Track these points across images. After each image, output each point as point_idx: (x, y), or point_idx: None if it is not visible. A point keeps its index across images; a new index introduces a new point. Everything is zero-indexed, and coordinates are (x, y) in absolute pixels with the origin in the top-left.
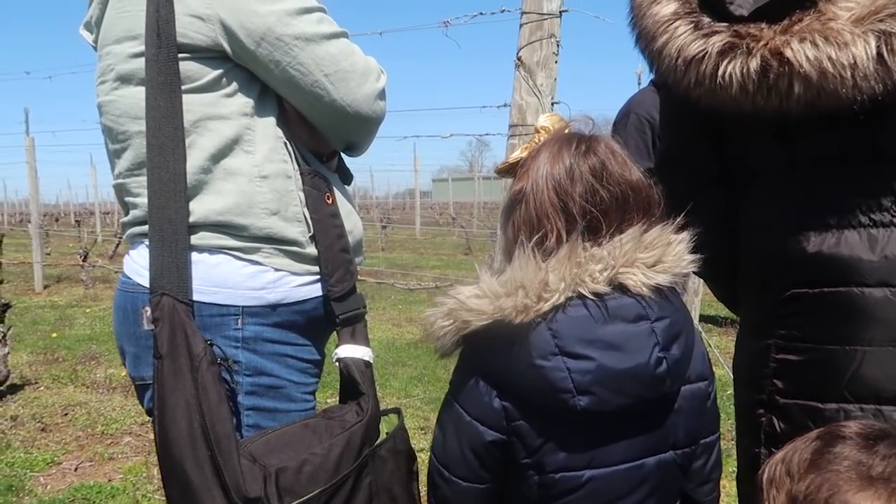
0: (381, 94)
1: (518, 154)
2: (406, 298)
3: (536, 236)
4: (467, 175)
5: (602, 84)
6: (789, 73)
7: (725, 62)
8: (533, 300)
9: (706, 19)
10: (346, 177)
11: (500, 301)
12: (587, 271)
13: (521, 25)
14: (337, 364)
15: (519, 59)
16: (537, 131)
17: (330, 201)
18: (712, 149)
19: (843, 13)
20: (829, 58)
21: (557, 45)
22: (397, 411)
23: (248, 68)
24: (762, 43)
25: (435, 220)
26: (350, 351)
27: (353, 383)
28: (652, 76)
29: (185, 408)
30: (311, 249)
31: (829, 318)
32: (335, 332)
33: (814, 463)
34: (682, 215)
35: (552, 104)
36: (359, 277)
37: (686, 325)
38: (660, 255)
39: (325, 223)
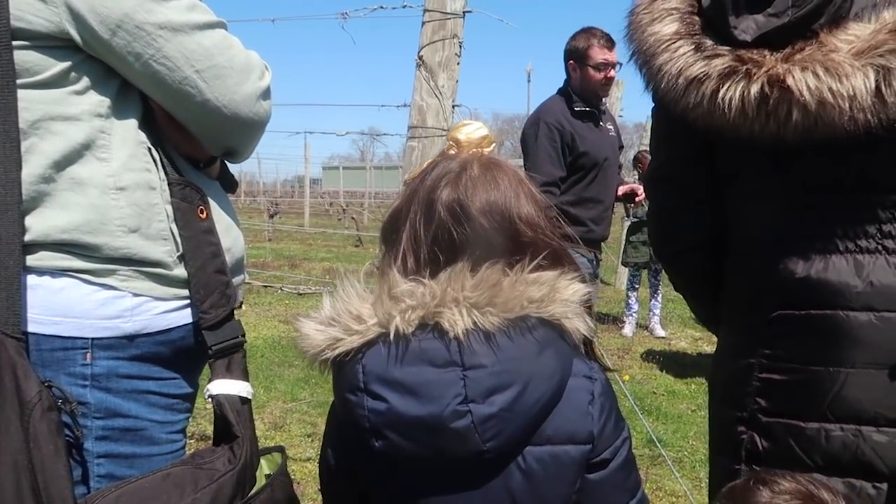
0: (265, 94)
1: (425, 165)
2: (294, 293)
3: (369, 266)
4: (359, 164)
5: (497, 83)
6: (789, 100)
7: (727, 85)
8: (345, 333)
9: (709, 42)
10: (228, 184)
11: (326, 331)
12: (399, 308)
13: (423, 23)
14: (209, 401)
15: (420, 58)
16: (450, 141)
17: (204, 215)
18: (704, 168)
19: (844, 45)
20: (830, 89)
21: (460, 46)
22: (280, 450)
23: (104, 61)
24: (764, 69)
25: (325, 210)
26: (224, 387)
27: (227, 424)
28: (648, 92)
29: (12, 466)
30: (180, 271)
31: (814, 340)
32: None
33: None
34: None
35: (453, 107)
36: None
37: (526, 378)
38: (491, 296)
39: (197, 240)
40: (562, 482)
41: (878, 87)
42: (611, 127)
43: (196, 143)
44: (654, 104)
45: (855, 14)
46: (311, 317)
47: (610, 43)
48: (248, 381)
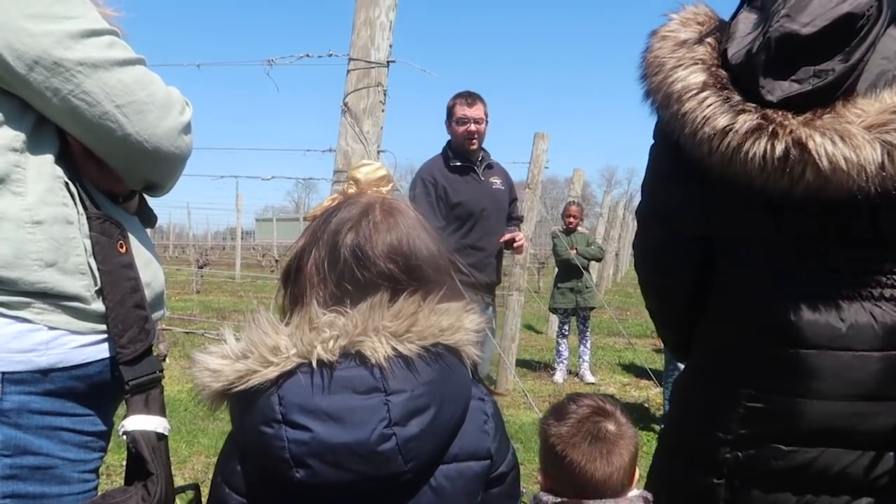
0: (186, 129)
1: (326, 204)
2: (220, 340)
3: (293, 285)
4: (293, 216)
5: (426, 135)
6: (806, 161)
7: (751, 140)
8: (260, 365)
9: (736, 97)
10: (148, 219)
11: (236, 364)
12: (321, 338)
13: (348, 71)
14: (123, 438)
15: (345, 104)
16: (350, 180)
17: (123, 250)
18: (702, 210)
19: (855, 118)
20: (844, 156)
21: (384, 94)
22: (194, 487)
23: (20, 96)
24: (787, 130)
25: (257, 262)
26: (141, 423)
27: (142, 461)
28: (657, 131)
29: None
30: (97, 305)
31: (800, 375)
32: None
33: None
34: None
35: (378, 152)
36: (165, 326)
37: (440, 401)
38: (410, 324)
39: (115, 275)
40: (466, 496)
41: (882, 161)
42: (496, 180)
43: (114, 178)
44: (657, 143)
45: (861, 91)
46: (213, 351)
47: (471, 100)
48: (165, 416)
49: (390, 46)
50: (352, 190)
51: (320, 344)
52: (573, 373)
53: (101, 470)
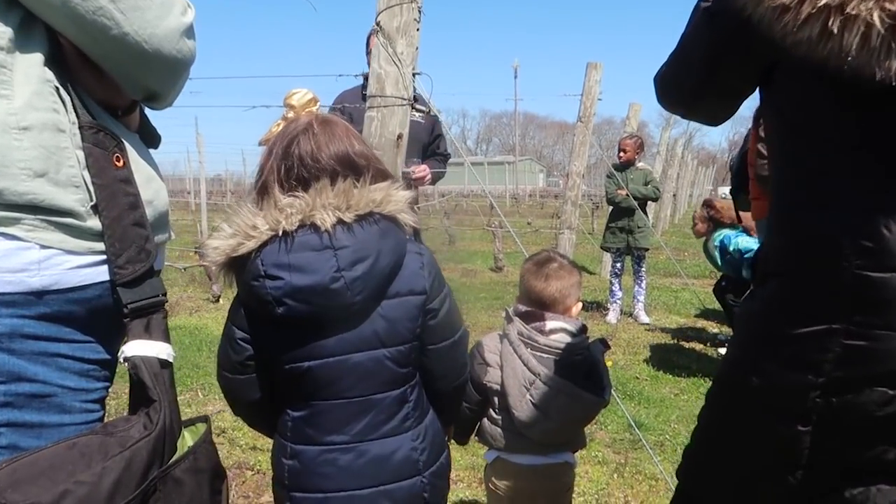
0: (188, 32)
1: (273, 130)
2: None
3: (259, 190)
4: None
5: (485, 79)
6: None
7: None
8: (245, 239)
9: None
10: (151, 139)
11: (229, 241)
12: (284, 215)
13: None
14: (124, 364)
15: (378, 24)
16: (288, 107)
17: (120, 163)
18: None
19: None
20: None
21: (419, 12)
22: (205, 419)
23: None
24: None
25: None
26: (141, 348)
27: (143, 388)
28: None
29: None
30: (94, 222)
31: None
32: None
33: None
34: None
35: (413, 74)
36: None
37: (377, 252)
38: (346, 200)
39: (112, 189)
40: (408, 321)
41: None
42: (415, 114)
43: (113, 89)
44: (731, 19)
45: None
46: (215, 235)
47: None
48: (168, 342)
49: None
50: (290, 115)
51: (284, 219)
52: (627, 313)
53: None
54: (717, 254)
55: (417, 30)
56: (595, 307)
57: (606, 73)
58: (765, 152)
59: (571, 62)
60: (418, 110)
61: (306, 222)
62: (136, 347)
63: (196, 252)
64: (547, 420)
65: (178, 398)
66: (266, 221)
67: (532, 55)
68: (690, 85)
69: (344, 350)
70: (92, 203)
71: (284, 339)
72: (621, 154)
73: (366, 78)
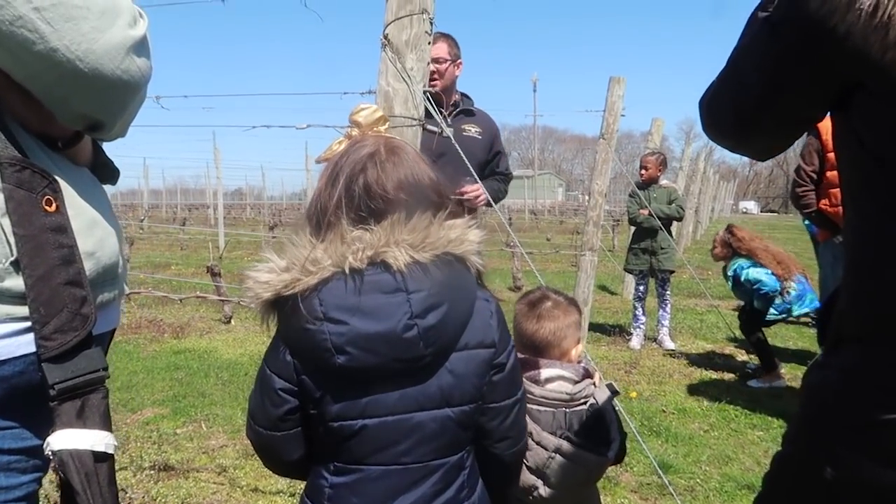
0: (138, 47)
1: (334, 148)
2: None
3: (318, 222)
4: None
5: (504, 93)
6: None
7: None
8: (302, 274)
9: None
10: (108, 174)
11: (282, 275)
12: (351, 250)
13: None
14: (50, 457)
15: (385, 37)
16: (353, 124)
17: (52, 207)
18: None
19: None
20: None
21: (431, 23)
22: None
23: None
24: None
25: None
26: (71, 439)
27: (71, 492)
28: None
29: None
30: (14, 282)
31: None
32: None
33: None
34: None
35: (424, 92)
36: (231, 285)
37: (451, 299)
38: (423, 237)
39: (38, 241)
40: (476, 377)
41: None
42: (470, 128)
43: (50, 116)
44: (801, 29)
45: None
46: (261, 267)
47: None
48: (109, 429)
49: None
50: (355, 132)
51: (351, 255)
52: (651, 338)
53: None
54: (730, 283)
55: (429, 43)
56: (617, 331)
57: (627, 86)
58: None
59: (590, 76)
60: (429, 130)
61: (376, 260)
62: (64, 439)
63: (208, 270)
64: (545, 486)
65: (182, 430)
66: (329, 256)
67: (551, 69)
68: (747, 111)
69: (406, 408)
70: (12, 258)
71: (338, 391)
72: (643, 172)
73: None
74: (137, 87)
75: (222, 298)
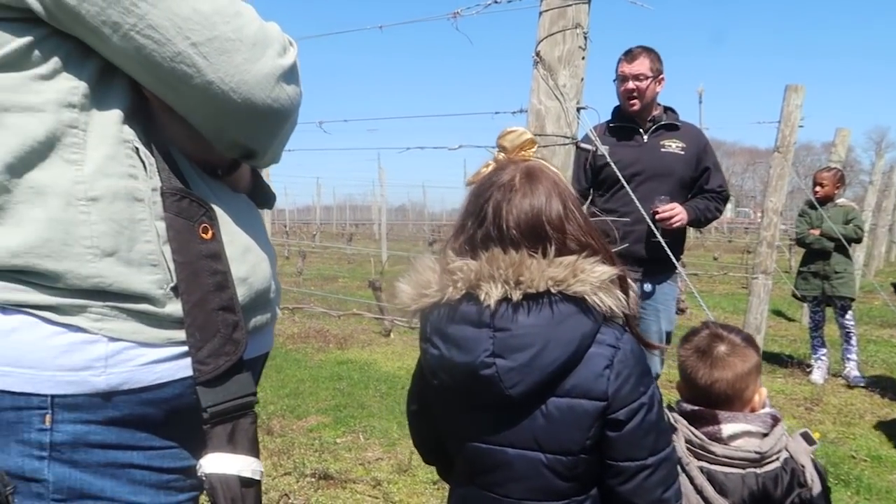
0: (288, 75)
1: (482, 171)
2: None
3: (443, 245)
4: None
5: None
6: None
7: None
8: (418, 295)
9: None
10: (264, 199)
11: (410, 291)
12: (451, 279)
13: (540, 13)
14: (203, 479)
15: (537, 54)
16: (499, 148)
17: (208, 235)
18: None
19: None
20: None
21: (585, 38)
22: None
23: (75, 35)
24: None
25: None
26: (220, 463)
27: None
28: None
29: None
30: (174, 307)
31: None
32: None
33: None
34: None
35: (578, 109)
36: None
37: (545, 341)
38: (518, 274)
39: (195, 268)
40: (576, 429)
41: None
42: (672, 144)
43: (209, 145)
44: None
45: None
46: (405, 279)
47: (632, 55)
48: (257, 455)
49: None
50: (501, 156)
51: (451, 284)
52: (835, 372)
53: None
54: None
55: (583, 58)
56: (795, 364)
57: (807, 95)
58: None
59: (761, 85)
60: (582, 148)
61: (472, 291)
62: (214, 462)
63: (370, 285)
64: None
65: (341, 439)
66: (437, 282)
67: (717, 79)
68: None
69: (497, 440)
70: (172, 284)
71: (443, 407)
72: (817, 189)
73: (615, 108)
74: (287, 114)
75: (377, 317)
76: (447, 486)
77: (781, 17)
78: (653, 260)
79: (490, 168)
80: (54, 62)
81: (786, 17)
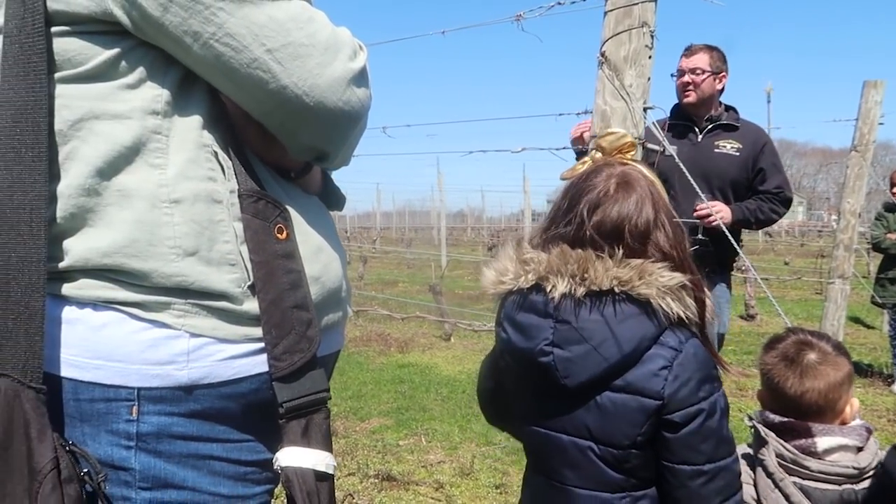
0: (359, 79)
1: (578, 168)
2: None
3: (530, 236)
4: None
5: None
6: None
7: None
8: (497, 281)
9: None
10: (335, 201)
11: (492, 276)
12: (523, 269)
13: (605, 13)
14: (279, 472)
15: (603, 54)
16: (597, 147)
17: (283, 236)
18: None
19: None
20: None
21: (651, 37)
22: None
23: (160, 46)
24: None
25: None
26: (296, 457)
27: None
28: None
29: None
30: (251, 305)
31: None
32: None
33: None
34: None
35: (644, 109)
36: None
37: (602, 337)
38: (583, 271)
39: (270, 267)
40: (628, 424)
41: None
42: (726, 144)
43: (283, 149)
44: None
45: None
46: (490, 265)
47: (691, 50)
48: (330, 450)
49: None
50: (598, 156)
51: (524, 274)
52: None
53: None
54: None
55: (650, 57)
56: (876, 373)
57: (887, 91)
58: None
59: (834, 82)
60: (649, 150)
61: (541, 282)
62: (290, 456)
63: (430, 289)
64: None
65: (404, 441)
66: (512, 270)
67: (787, 77)
68: None
69: (554, 427)
70: (249, 283)
71: (512, 387)
72: (895, 190)
73: (675, 105)
74: (358, 117)
75: (439, 319)
76: (509, 491)
77: (857, 14)
78: (698, 258)
79: (587, 166)
80: (139, 72)
81: (862, 13)
